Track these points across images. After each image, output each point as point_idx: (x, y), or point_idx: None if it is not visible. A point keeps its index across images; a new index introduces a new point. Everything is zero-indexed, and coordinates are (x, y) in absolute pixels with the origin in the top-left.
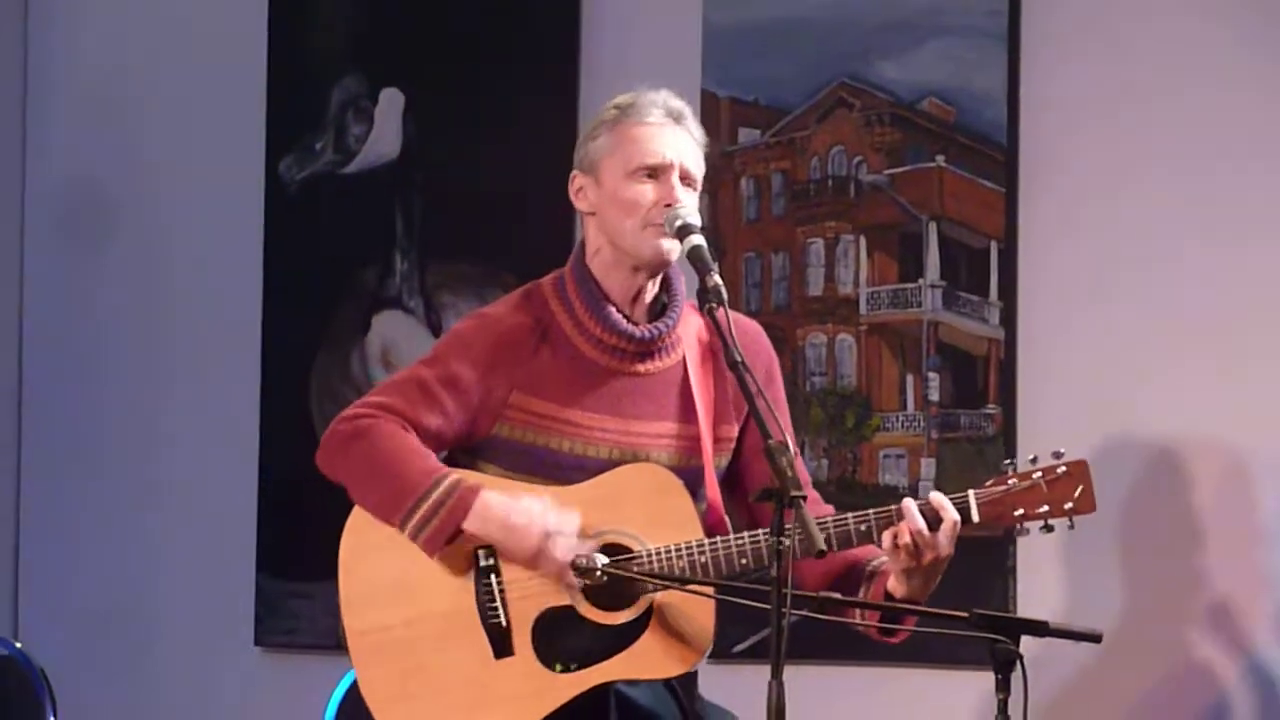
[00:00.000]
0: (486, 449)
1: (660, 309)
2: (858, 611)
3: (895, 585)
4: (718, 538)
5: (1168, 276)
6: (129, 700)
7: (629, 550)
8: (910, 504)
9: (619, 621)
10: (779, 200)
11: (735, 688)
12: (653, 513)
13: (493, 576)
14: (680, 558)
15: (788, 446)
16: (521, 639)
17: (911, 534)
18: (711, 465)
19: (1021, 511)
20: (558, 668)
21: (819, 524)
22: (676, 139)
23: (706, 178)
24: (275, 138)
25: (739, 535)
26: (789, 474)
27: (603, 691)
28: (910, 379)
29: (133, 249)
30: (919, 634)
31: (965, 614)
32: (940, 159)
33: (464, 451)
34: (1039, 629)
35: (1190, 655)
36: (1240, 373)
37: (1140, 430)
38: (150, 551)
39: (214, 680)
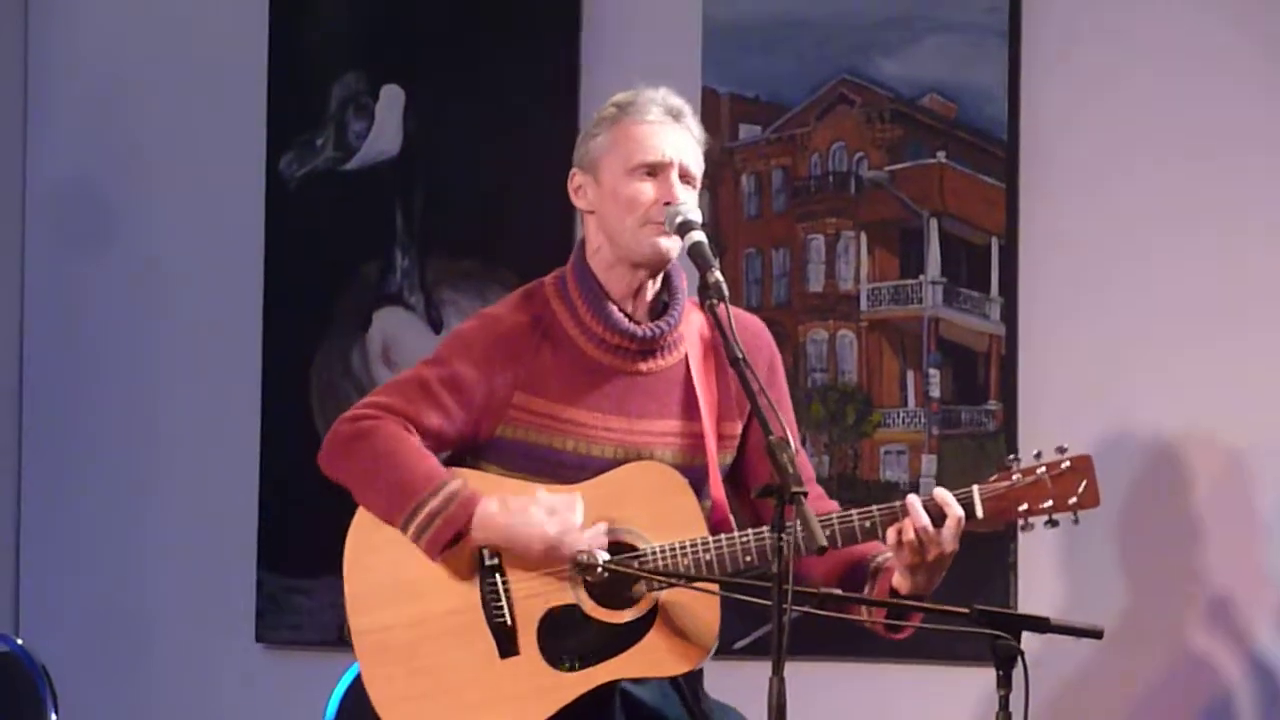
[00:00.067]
0: (489, 450)
1: (662, 307)
2: (863, 607)
3: (900, 581)
4: (722, 535)
5: (1168, 272)
6: (130, 696)
7: (634, 548)
8: (915, 500)
9: (624, 620)
10: (780, 196)
11: (736, 684)
12: (657, 511)
13: (497, 576)
14: (685, 555)
15: (789, 442)
16: (527, 638)
17: (916, 530)
18: (715, 463)
19: (1026, 507)
20: (563, 666)
21: (823, 520)
22: (676, 137)
23: (707, 174)
24: (276, 134)
25: (743, 533)
26: (790, 470)
27: (608, 690)
28: (911, 375)
29: (132, 248)
30: (920, 630)
31: (966, 610)
32: (941, 155)
33: (467, 451)
34: (1040, 625)
35: (1191, 650)
36: (1240, 368)
37: (1141, 426)
38: (151, 547)
39: (215, 676)
